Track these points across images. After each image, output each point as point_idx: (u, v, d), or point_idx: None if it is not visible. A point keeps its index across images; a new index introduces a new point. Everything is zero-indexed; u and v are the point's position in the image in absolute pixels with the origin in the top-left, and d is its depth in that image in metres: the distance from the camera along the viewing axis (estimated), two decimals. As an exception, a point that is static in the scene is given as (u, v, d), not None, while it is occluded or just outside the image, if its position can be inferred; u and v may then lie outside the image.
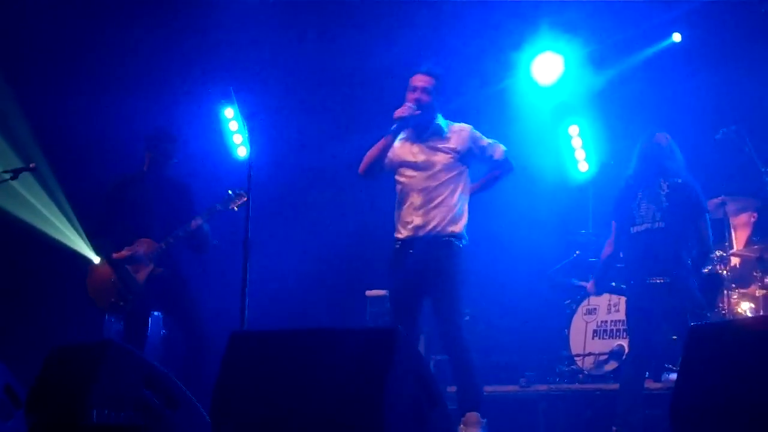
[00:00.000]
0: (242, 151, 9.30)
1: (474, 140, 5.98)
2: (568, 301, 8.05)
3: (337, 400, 3.80)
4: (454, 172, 5.91)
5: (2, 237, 8.96)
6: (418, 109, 5.88)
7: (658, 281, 6.22)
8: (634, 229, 6.43)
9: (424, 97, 5.93)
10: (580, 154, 9.28)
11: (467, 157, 5.97)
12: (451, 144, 5.95)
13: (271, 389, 3.99)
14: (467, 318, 7.18)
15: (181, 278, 7.24)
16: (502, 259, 8.68)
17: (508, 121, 9.11)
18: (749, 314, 7.23)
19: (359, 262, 9.31)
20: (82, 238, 9.42)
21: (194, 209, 7.24)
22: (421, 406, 3.92)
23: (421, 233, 5.83)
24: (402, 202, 5.98)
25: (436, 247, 5.78)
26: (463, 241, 5.87)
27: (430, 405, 3.98)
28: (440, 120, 6.04)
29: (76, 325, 8.51)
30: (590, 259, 8.13)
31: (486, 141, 6.01)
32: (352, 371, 3.83)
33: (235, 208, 7.08)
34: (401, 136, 6.06)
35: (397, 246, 5.94)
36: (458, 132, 6.00)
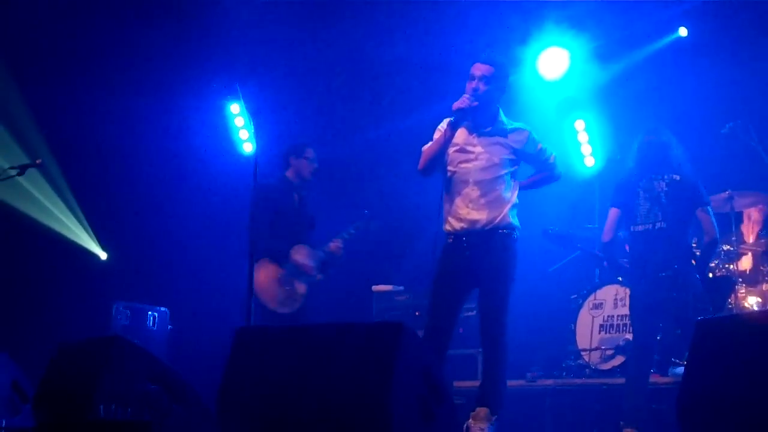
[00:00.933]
0: (248, 147, 9.30)
1: (533, 143, 5.87)
2: (574, 296, 8.04)
3: (343, 396, 3.80)
4: (511, 169, 5.80)
5: (9, 233, 8.99)
6: (475, 100, 5.69)
7: (660, 275, 6.23)
8: (634, 228, 6.43)
9: (482, 87, 5.74)
10: (586, 149, 9.27)
11: (523, 156, 5.86)
12: (511, 141, 5.82)
13: (277, 385, 4.00)
14: (473, 313, 7.19)
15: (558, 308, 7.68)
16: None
17: (514, 116, 9.08)
18: (756, 308, 7.22)
19: (366, 258, 9.31)
20: (88, 234, 9.44)
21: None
22: (427, 401, 3.92)
23: (477, 227, 5.67)
24: (454, 194, 5.77)
25: (493, 241, 5.64)
26: (517, 234, 5.77)
27: (436, 400, 3.98)
28: (502, 116, 5.91)
29: (83, 320, 8.54)
30: (596, 253, 8.11)
31: (541, 145, 5.93)
32: (358, 366, 3.83)
33: (363, 230, 7.49)
34: None
35: (450, 240, 5.76)
36: (519, 131, 5.87)
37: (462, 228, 5.73)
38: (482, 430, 5.27)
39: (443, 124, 5.89)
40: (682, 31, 8.80)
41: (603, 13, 8.73)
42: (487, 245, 5.64)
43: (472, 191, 5.71)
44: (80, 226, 9.46)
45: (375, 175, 9.76)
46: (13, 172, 6.77)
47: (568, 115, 9.27)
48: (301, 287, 7.32)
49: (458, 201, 5.75)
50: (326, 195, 9.66)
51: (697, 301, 6.33)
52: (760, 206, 7.90)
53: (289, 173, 7.55)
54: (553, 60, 9.03)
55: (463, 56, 8.97)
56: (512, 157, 5.80)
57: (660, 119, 7.59)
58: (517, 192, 5.84)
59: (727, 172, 7.80)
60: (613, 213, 6.60)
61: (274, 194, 7.33)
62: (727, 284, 7.18)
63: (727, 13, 8.48)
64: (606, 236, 6.66)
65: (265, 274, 7.22)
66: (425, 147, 5.94)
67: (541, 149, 5.90)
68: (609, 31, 8.86)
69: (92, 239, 9.58)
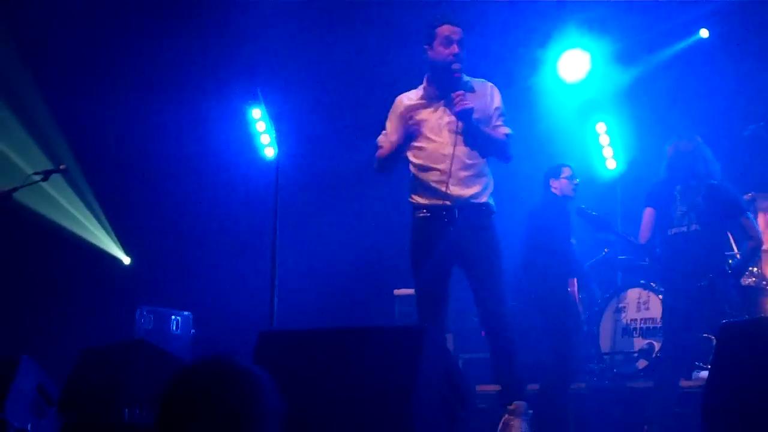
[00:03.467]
0: (270, 151, 9.34)
1: (499, 101, 5.33)
2: (598, 299, 8.01)
3: (366, 399, 3.81)
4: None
5: (34, 238, 9.06)
6: (462, 63, 5.23)
7: (696, 284, 6.18)
8: (670, 231, 6.38)
9: (462, 53, 5.26)
10: (607, 152, 9.24)
11: (494, 117, 5.30)
12: (485, 102, 5.29)
13: (299, 388, 4.00)
14: None
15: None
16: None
17: (535, 119, 9.08)
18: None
19: (387, 261, 9.31)
20: (112, 239, 9.50)
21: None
22: (450, 405, 3.92)
23: (457, 202, 5.14)
24: (425, 168, 5.22)
25: (476, 216, 5.15)
26: (494, 210, 5.31)
27: (459, 404, 3.98)
28: (463, 76, 5.33)
29: (107, 324, 8.59)
30: (619, 257, 8.08)
31: (502, 107, 5.34)
32: (380, 370, 3.84)
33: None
34: (419, 95, 5.40)
35: (424, 214, 5.23)
36: (487, 88, 5.35)
37: (437, 203, 5.21)
38: (521, 423, 5.09)
39: (403, 109, 5.40)
40: (704, 33, 8.76)
41: (624, 15, 8.71)
42: (472, 222, 5.17)
43: (448, 165, 5.16)
44: (104, 231, 9.53)
45: (396, 177, 9.74)
46: (38, 178, 6.81)
47: (589, 118, 9.24)
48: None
49: (431, 174, 5.24)
50: (349, 197, 9.70)
51: (732, 309, 6.30)
52: None
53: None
54: (574, 62, 9.00)
55: (485, 60, 9.00)
56: (486, 121, 5.27)
57: (682, 122, 7.56)
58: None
59: (750, 174, 7.75)
60: (648, 213, 6.46)
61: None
62: (755, 295, 7.12)
63: (748, 14, 8.44)
64: (644, 237, 6.51)
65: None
66: (382, 142, 5.47)
67: (498, 114, 5.33)
68: (630, 32, 8.84)
69: (116, 244, 9.65)
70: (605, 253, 8.11)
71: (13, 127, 8.94)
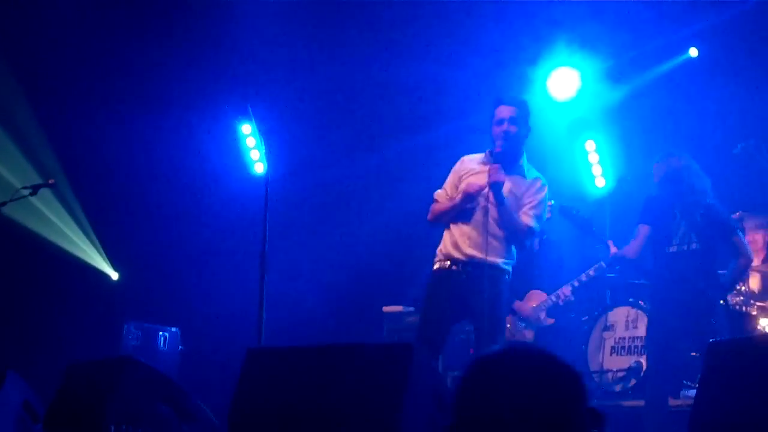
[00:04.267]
0: (259, 167, 9.33)
1: (538, 197, 5.86)
2: (585, 318, 8.01)
3: (354, 416, 3.80)
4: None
5: (21, 252, 9.02)
6: (507, 140, 5.80)
7: (692, 302, 6.19)
8: (669, 249, 6.37)
9: (512, 129, 5.82)
10: (596, 170, 9.26)
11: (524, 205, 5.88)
12: (523, 190, 5.85)
13: (287, 405, 3.99)
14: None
15: (563, 329, 7.69)
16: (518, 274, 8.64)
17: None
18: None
19: (376, 278, 9.31)
20: (100, 254, 9.47)
21: (564, 269, 7.80)
22: (437, 423, 3.91)
23: (478, 260, 5.71)
24: (461, 225, 5.83)
25: (492, 275, 5.68)
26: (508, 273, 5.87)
27: (446, 422, 3.96)
28: (524, 161, 5.94)
29: (94, 340, 8.55)
30: (608, 275, 8.08)
31: (536, 202, 5.85)
32: (369, 387, 3.83)
33: (592, 273, 7.48)
34: (480, 159, 5.97)
35: (451, 267, 5.82)
36: (535, 181, 5.90)
37: (461, 258, 5.83)
38: None
39: (463, 172, 6.01)
40: (693, 52, 8.80)
41: (614, 34, 8.75)
42: (488, 280, 5.68)
43: (479, 226, 5.77)
44: (92, 246, 9.50)
45: (386, 195, 9.76)
46: (26, 192, 6.81)
47: (578, 136, 9.26)
48: (528, 333, 7.61)
49: (464, 232, 5.84)
50: (338, 214, 9.70)
51: (722, 328, 6.32)
52: (763, 232, 7.81)
53: None
54: (563, 80, 9.03)
55: (474, 77, 9.04)
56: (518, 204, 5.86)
57: (671, 140, 7.59)
58: None
59: (739, 192, 7.77)
60: (644, 230, 6.44)
61: None
62: (748, 321, 7.13)
63: (737, 33, 8.48)
64: (635, 253, 6.50)
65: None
66: (441, 197, 6.05)
67: (534, 204, 5.84)
68: (620, 51, 8.87)
69: (104, 259, 9.61)
70: (603, 267, 8.11)
71: (1, 141, 8.91)
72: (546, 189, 5.92)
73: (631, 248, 6.55)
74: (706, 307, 6.22)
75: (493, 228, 5.71)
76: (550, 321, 7.70)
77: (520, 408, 2.02)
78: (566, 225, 8.28)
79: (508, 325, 7.69)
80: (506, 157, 5.80)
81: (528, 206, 5.82)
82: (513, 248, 5.86)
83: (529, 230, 5.81)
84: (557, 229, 8.18)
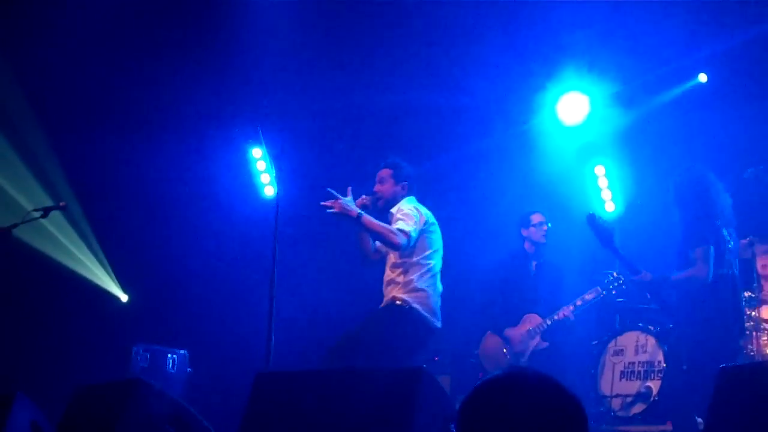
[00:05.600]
0: (269, 191, 9.35)
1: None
2: (595, 342, 7.99)
3: (362, 441, 3.79)
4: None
5: (32, 274, 9.04)
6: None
7: (730, 324, 6.18)
8: (720, 271, 6.30)
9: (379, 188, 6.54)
10: (606, 195, 9.25)
11: None
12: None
13: (297, 429, 3.99)
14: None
15: (558, 352, 7.71)
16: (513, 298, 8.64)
17: (534, 162, 9.12)
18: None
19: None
20: (110, 276, 9.49)
21: (564, 292, 7.83)
22: (446, 447, 3.90)
23: None
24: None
25: None
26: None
27: (455, 446, 3.95)
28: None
29: (103, 362, 8.54)
30: (617, 299, 8.06)
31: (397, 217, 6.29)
32: (378, 411, 3.82)
33: (614, 292, 7.57)
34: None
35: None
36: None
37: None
38: None
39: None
40: (702, 77, 8.81)
41: (623, 59, 8.77)
42: None
43: None
44: (102, 269, 9.52)
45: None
46: (37, 215, 6.83)
47: (588, 161, 9.27)
48: (524, 356, 7.67)
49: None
50: (348, 237, 9.69)
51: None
52: None
53: (526, 245, 7.99)
54: (573, 105, 9.05)
55: (484, 102, 9.07)
56: None
57: (681, 165, 7.58)
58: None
59: (749, 217, 7.76)
60: (712, 252, 6.25)
61: (506, 267, 8.00)
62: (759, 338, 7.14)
63: (746, 58, 8.49)
64: (707, 275, 6.21)
65: (490, 345, 7.82)
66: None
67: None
68: (629, 76, 8.89)
69: (113, 282, 9.63)
70: (603, 295, 8.09)
71: (13, 164, 8.96)
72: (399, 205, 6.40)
73: (702, 271, 6.22)
74: (741, 330, 6.24)
75: None
76: (544, 344, 7.68)
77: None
78: (567, 247, 8.31)
79: (504, 350, 7.71)
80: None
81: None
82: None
83: (399, 236, 6.18)
84: (555, 253, 8.19)
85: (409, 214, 6.25)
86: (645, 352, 7.48)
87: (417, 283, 6.21)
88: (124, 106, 9.48)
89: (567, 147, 9.26)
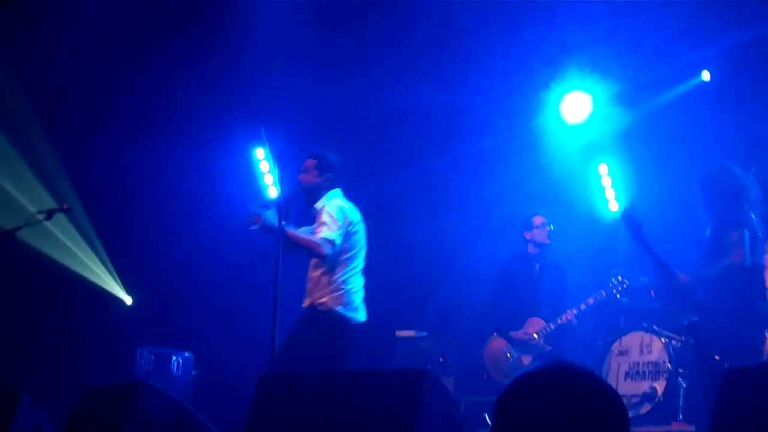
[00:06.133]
0: (273, 192, 9.35)
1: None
2: (600, 342, 7.97)
3: (367, 443, 3.79)
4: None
5: (36, 276, 9.06)
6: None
7: (761, 313, 6.16)
8: (753, 259, 6.26)
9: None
10: (609, 193, 9.24)
11: None
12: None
13: None
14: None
15: (566, 357, 7.71)
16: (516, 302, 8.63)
17: (538, 160, 9.12)
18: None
19: (389, 303, 9.29)
20: (114, 279, 9.50)
21: (567, 293, 7.90)
22: (451, 449, 3.90)
23: None
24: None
25: None
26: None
27: (460, 447, 3.95)
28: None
29: (108, 364, 8.56)
30: (621, 300, 8.04)
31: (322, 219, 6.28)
32: (382, 412, 3.82)
33: (618, 296, 7.61)
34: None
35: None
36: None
37: None
38: None
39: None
40: (705, 75, 8.80)
41: (625, 58, 8.77)
42: None
43: None
44: (106, 271, 9.52)
45: (399, 220, 9.78)
46: (41, 217, 6.83)
47: (591, 159, 9.26)
48: (526, 359, 7.68)
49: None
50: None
51: None
52: None
53: (529, 248, 8.01)
54: (576, 104, 9.05)
55: (488, 101, 9.06)
56: None
57: (685, 163, 7.56)
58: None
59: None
60: (747, 234, 6.20)
61: (510, 270, 8.02)
62: None
63: (750, 56, 8.49)
64: (743, 260, 6.15)
65: (494, 348, 7.84)
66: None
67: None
68: (632, 75, 8.88)
69: (118, 284, 9.64)
70: (603, 296, 8.07)
71: (17, 167, 8.97)
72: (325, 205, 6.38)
73: (738, 256, 6.15)
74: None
75: None
76: (547, 348, 7.71)
77: (560, 426, 1.99)
78: (571, 246, 8.30)
79: (508, 355, 7.71)
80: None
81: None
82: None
83: (321, 240, 6.21)
84: (558, 255, 8.19)
85: (333, 217, 6.25)
86: (650, 352, 7.47)
87: (339, 283, 6.26)
88: (127, 108, 9.49)
89: (570, 146, 9.26)
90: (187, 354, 8.75)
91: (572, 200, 9.04)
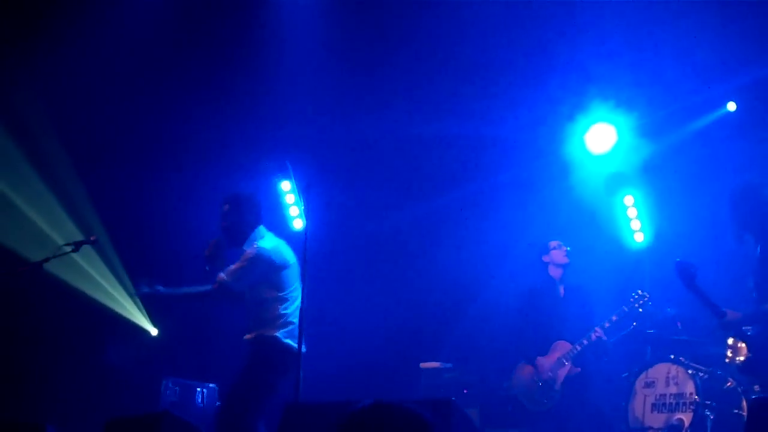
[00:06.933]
0: (298, 223, 9.39)
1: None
2: (626, 374, 7.92)
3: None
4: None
5: (63, 307, 9.11)
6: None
7: None
8: None
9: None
10: (635, 225, 9.21)
11: None
12: None
13: (325, 461, 3.97)
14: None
15: (589, 377, 7.79)
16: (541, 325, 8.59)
17: (563, 191, 9.11)
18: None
19: (414, 334, 9.29)
20: (140, 310, 9.54)
21: (593, 313, 7.86)
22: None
23: None
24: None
25: None
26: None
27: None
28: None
29: (133, 395, 8.58)
30: (648, 331, 8.00)
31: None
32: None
33: (640, 309, 7.61)
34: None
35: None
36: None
37: None
38: None
39: None
40: (731, 106, 8.78)
41: (650, 89, 8.77)
42: None
43: None
44: (132, 303, 9.57)
45: (423, 250, 9.79)
46: (68, 249, 6.88)
47: (616, 191, 9.24)
48: (556, 383, 7.66)
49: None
50: (376, 270, 9.72)
51: None
52: None
53: (550, 271, 7.99)
54: (600, 135, 9.06)
55: (513, 133, 9.09)
56: None
57: (711, 195, 7.52)
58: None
59: None
60: None
61: (535, 295, 7.98)
62: None
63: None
64: None
65: (523, 375, 7.79)
66: None
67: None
68: (656, 106, 8.88)
69: (143, 315, 9.68)
70: (634, 326, 8.04)
71: (45, 199, 9.07)
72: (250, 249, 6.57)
73: None
74: None
75: None
76: (576, 370, 7.66)
77: None
78: (596, 276, 8.28)
79: (537, 381, 7.65)
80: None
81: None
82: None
83: (223, 281, 6.56)
84: (581, 276, 8.17)
85: (237, 265, 6.59)
86: (677, 384, 7.41)
87: (278, 317, 6.45)
88: (154, 142, 9.58)
89: (595, 176, 9.25)
90: (211, 385, 8.75)
91: (597, 231, 9.02)
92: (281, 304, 6.45)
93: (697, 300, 6.35)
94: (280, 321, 6.40)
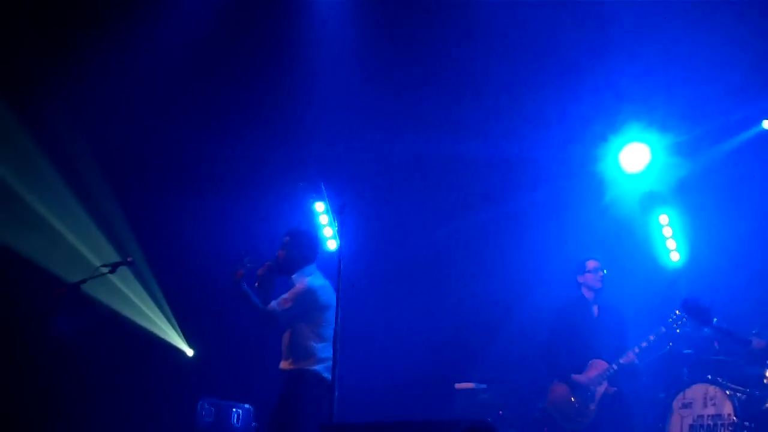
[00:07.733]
0: (332, 244, 9.42)
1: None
2: (662, 395, 7.85)
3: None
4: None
5: (100, 328, 9.19)
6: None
7: None
8: None
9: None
10: (671, 244, 9.15)
11: None
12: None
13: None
14: None
15: (625, 397, 7.81)
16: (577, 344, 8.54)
17: (597, 210, 9.09)
18: None
19: (448, 354, 9.26)
20: (176, 331, 9.61)
21: (628, 333, 7.92)
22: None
23: None
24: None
25: None
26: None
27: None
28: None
29: (169, 417, 8.62)
30: (684, 351, 7.93)
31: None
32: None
33: (678, 330, 7.58)
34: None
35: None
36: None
37: None
38: None
39: None
40: (766, 124, 8.72)
41: (683, 108, 8.73)
42: None
43: None
44: (168, 323, 9.63)
45: (457, 270, 9.78)
46: (105, 270, 6.95)
47: (651, 210, 9.20)
48: (592, 402, 7.67)
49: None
50: (411, 291, 9.72)
51: None
52: None
53: (584, 292, 8.05)
54: (634, 154, 9.04)
55: (546, 153, 9.08)
56: None
57: (747, 214, 7.48)
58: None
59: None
60: None
61: (569, 313, 8.04)
62: None
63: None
64: None
65: (557, 394, 7.83)
66: None
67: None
68: (690, 125, 8.84)
69: (179, 336, 9.74)
70: (670, 347, 7.97)
71: (82, 221, 9.17)
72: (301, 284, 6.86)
73: None
74: None
75: None
76: (612, 389, 7.64)
77: None
78: (627, 292, 8.25)
79: (573, 399, 7.63)
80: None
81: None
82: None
83: (274, 311, 6.82)
84: (614, 299, 8.14)
85: (288, 297, 6.83)
86: (714, 404, 7.33)
87: (315, 352, 6.71)
88: (190, 165, 9.66)
89: (630, 196, 9.22)
90: (247, 406, 8.77)
91: (633, 250, 8.98)
92: (319, 342, 6.68)
93: (717, 335, 6.32)
94: (317, 356, 6.65)
